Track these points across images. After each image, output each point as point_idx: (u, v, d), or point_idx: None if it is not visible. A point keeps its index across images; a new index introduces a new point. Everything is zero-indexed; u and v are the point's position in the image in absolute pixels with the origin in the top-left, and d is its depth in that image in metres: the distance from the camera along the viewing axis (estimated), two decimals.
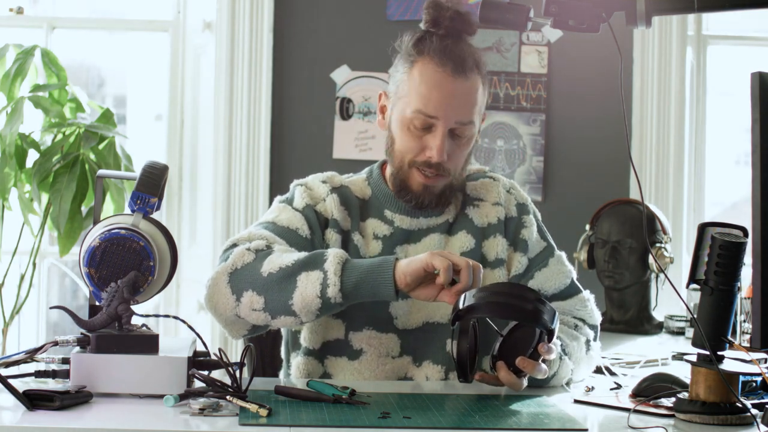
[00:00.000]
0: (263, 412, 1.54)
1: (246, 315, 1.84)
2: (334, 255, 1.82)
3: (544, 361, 1.79)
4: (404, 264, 1.78)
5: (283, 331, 2.11)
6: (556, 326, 1.77)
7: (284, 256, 1.85)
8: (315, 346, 2.01)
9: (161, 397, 1.62)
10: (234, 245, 1.90)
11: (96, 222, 1.84)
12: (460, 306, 1.74)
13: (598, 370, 2.06)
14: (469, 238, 2.04)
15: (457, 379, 1.82)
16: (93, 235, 1.78)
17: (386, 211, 2.06)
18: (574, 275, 2.11)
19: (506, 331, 1.82)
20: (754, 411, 1.60)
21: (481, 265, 1.79)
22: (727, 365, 1.62)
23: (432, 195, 2.01)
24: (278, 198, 2.08)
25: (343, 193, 2.06)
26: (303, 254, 1.84)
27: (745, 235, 1.62)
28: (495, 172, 2.17)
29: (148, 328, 1.78)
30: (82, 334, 1.73)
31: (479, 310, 1.73)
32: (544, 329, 1.75)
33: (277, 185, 4.05)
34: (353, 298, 1.81)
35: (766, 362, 2.03)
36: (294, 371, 2.04)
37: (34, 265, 3.72)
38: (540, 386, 1.88)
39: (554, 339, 1.79)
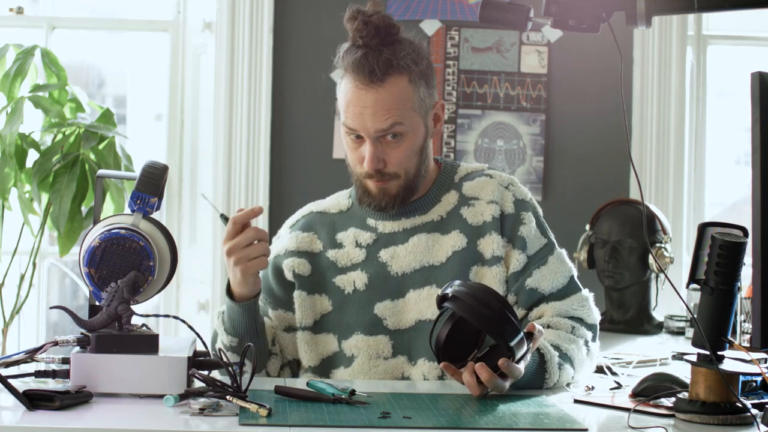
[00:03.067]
0: (263, 412, 1.54)
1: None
2: (216, 316, 2.09)
3: (504, 378, 1.76)
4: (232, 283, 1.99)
5: (282, 360, 2.13)
6: (520, 353, 1.75)
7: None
8: (314, 363, 2.06)
9: (161, 397, 1.62)
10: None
11: (96, 222, 1.84)
12: (441, 292, 1.80)
13: (599, 370, 2.06)
14: (462, 237, 2.04)
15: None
16: (93, 235, 1.78)
17: (369, 219, 2.10)
18: (575, 273, 2.10)
19: (493, 343, 1.83)
20: (754, 411, 1.60)
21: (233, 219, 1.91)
22: (727, 365, 1.62)
23: (389, 197, 2.05)
24: None
25: (309, 221, 2.14)
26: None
27: (745, 235, 1.62)
28: (495, 169, 2.17)
29: (148, 328, 1.78)
30: (82, 334, 1.73)
31: (454, 302, 1.77)
32: (504, 344, 1.74)
33: (277, 185, 4.05)
34: (240, 330, 2.02)
35: (766, 362, 2.03)
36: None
37: (34, 265, 3.71)
38: (541, 388, 1.88)
39: (521, 363, 1.77)
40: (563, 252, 2.12)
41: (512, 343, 1.73)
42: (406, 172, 2.04)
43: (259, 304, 2.06)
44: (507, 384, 1.77)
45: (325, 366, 2.05)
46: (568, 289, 2.07)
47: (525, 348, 1.76)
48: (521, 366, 1.77)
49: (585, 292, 2.09)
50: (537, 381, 1.87)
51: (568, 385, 1.92)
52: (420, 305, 2.01)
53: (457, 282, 1.80)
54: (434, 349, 1.82)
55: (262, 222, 4.01)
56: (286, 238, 2.14)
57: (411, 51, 2.02)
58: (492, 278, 2.02)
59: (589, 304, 2.07)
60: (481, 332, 1.85)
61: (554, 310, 2.03)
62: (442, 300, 1.81)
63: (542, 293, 2.04)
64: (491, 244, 2.04)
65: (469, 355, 1.83)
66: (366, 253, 2.06)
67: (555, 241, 2.12)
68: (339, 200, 2.17)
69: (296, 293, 2.08)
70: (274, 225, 4.07)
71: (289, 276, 2.09)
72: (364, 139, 2.01)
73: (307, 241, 2.11)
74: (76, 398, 1.59)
